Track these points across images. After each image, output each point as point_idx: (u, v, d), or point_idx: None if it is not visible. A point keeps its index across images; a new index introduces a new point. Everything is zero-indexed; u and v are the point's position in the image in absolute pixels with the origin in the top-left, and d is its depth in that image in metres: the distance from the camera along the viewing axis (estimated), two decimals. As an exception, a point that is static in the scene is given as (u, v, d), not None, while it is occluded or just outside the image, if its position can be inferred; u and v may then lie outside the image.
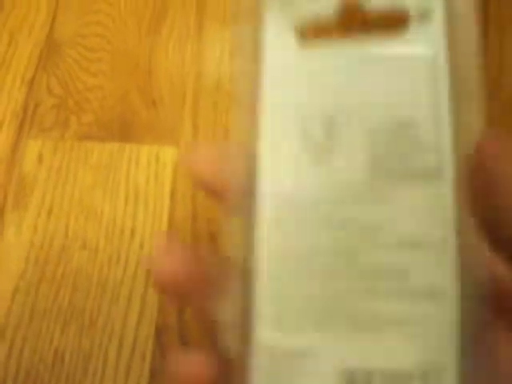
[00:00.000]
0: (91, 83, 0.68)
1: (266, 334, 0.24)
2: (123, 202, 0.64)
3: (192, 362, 0.24)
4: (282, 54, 0.25)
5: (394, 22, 0.23)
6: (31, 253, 0.63)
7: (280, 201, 0.24)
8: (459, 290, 0.23)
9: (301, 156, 0.24)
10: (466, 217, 0.23)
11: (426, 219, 0.23)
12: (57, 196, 0.64)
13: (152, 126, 0.66)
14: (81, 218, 0.63)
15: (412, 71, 0.24)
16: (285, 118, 0.25)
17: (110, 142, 0.66)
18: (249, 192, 0.25)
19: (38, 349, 0.60)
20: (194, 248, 0.25)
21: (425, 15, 0.24)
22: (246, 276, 0.24)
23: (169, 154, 0.64)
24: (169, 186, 0.64)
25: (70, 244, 0.63)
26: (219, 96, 0.66)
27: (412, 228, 0.24)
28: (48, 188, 0.65)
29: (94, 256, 0.62)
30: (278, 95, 0.25)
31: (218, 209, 0.25)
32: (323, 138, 0.24)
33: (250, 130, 0.25)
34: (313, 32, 0.24)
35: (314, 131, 0.25)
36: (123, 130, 0.66)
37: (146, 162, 0.65)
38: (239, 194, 0.25)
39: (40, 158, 0.66)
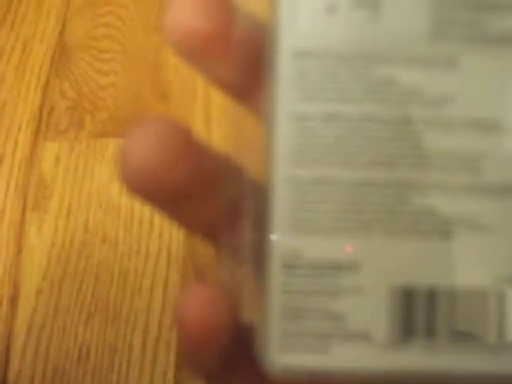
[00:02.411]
0: (104, 83, 0.64)
1: (286, 238, 0.17)
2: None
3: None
4: None
5: None
6: (52, 252, 0.59)
7: (306, 58, 0.17)
8: None
9: None
10: None
11: (502, 95, 0.17)
12: (75, 194, 0.61)
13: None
14: (99, 213, 0.59)
15: None
16: None
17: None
18: (260, 49, 0.17)
19: (63, 346, 0.57)
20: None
21: None
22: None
23: (183, 146, 0.59)
24: (184, 177, 0.60)
25: (91, 239, 0.59)
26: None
27: (487, 105, 0.17)
28: (66, 187, 0.61)
29: (114, 249, 0.58)
30: None
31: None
32: None
33: None
34: None
35: None
36: (137, 125, 0.62)
37: (160, 155, 0.61)
38: (245, 51, 0.17)
39: (57, 159, 0.62)
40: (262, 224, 0.17)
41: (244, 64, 0.17)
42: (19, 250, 0.60)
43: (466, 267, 0.17)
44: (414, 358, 0.17)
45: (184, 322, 0.17)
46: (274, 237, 0.17)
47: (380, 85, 0.17)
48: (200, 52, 0.17)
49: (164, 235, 0.58)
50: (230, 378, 0.18)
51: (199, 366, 0.18)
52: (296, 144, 0.17)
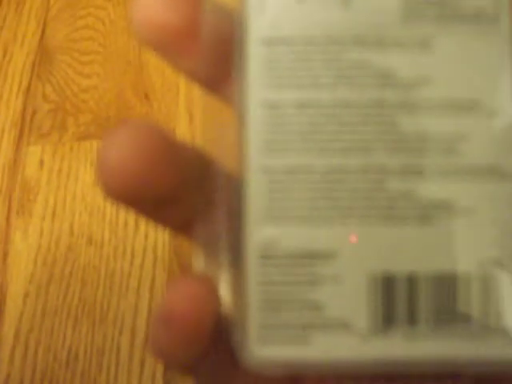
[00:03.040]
0: (86, 85, 0.64)
1: (262, 229, 0.16)
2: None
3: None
4: None
5: None
6: (39, 256, 0.58)
7: (276, 45, 0.16)
8: None
9: None
10: None
11: (479, 75, 0.16)
12: (59, 197, 0.60)
13: (147, 119, 0.62)
14: (85, 215, 0.58)
15: None
16: None
17: (108, 139, 0.61)
18: (230, 37, 0.17)
19: (51, 349, 0.56)
20: None
21: None
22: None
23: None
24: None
25: (76, 241, 0.58)
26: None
27: (463, 86, 0.16)
28: (50, 190, 0.60)
29: (100, 250, 0.57)
30: None
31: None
32: None
33: None
34: None
35: None
36: (120, 127, 0.62)
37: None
38: (215, 41, 0.16)
39: (41, 163, 0.61)
40: (237, 215, 0.17)
41: (214, 53, 0.17)
42: (5, 255, 0.59)
43: (448, 252, 0.16)
44: (396, 346, 0.16)
45: (173, 316, 0.16)
46: (249, 228, 0.17)
47: (353, 69, 0.16)
48: (167, 44, 0.17)
49: (149, 235, 0.58)
50: (207, 371, 0.18)
51: (181, 360, 0.18)
52: (268, 133, 0.16)
